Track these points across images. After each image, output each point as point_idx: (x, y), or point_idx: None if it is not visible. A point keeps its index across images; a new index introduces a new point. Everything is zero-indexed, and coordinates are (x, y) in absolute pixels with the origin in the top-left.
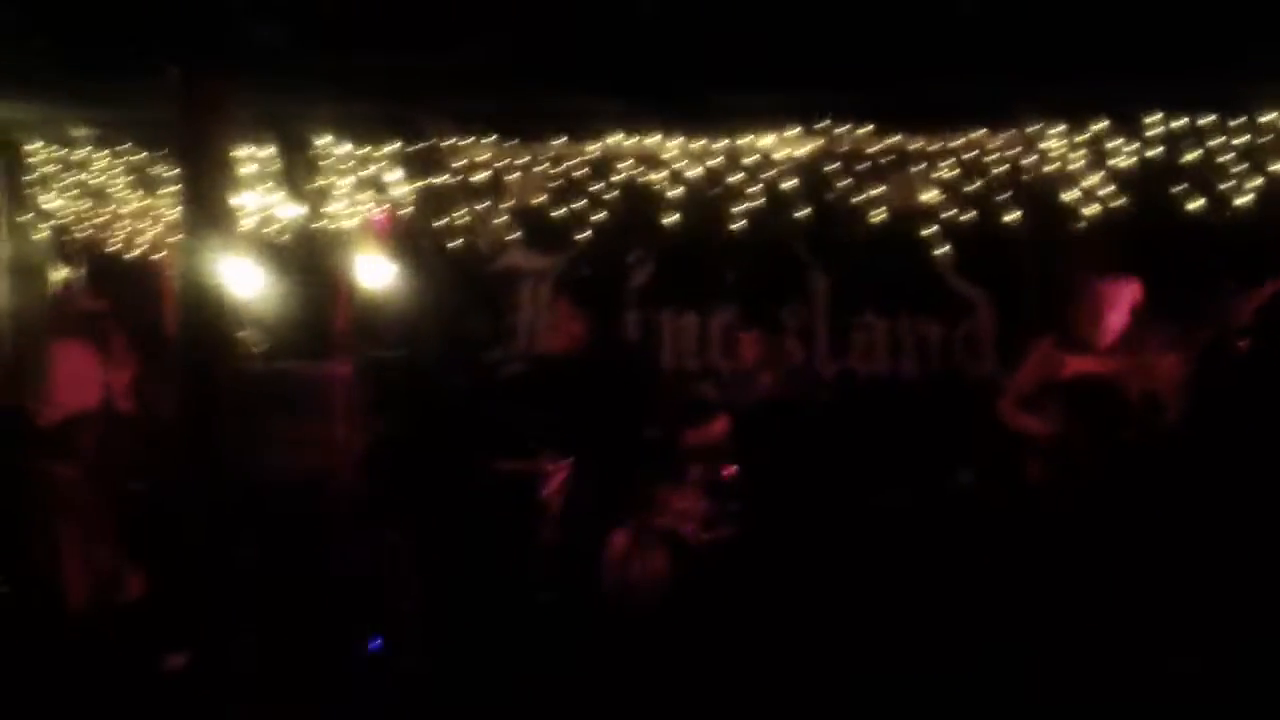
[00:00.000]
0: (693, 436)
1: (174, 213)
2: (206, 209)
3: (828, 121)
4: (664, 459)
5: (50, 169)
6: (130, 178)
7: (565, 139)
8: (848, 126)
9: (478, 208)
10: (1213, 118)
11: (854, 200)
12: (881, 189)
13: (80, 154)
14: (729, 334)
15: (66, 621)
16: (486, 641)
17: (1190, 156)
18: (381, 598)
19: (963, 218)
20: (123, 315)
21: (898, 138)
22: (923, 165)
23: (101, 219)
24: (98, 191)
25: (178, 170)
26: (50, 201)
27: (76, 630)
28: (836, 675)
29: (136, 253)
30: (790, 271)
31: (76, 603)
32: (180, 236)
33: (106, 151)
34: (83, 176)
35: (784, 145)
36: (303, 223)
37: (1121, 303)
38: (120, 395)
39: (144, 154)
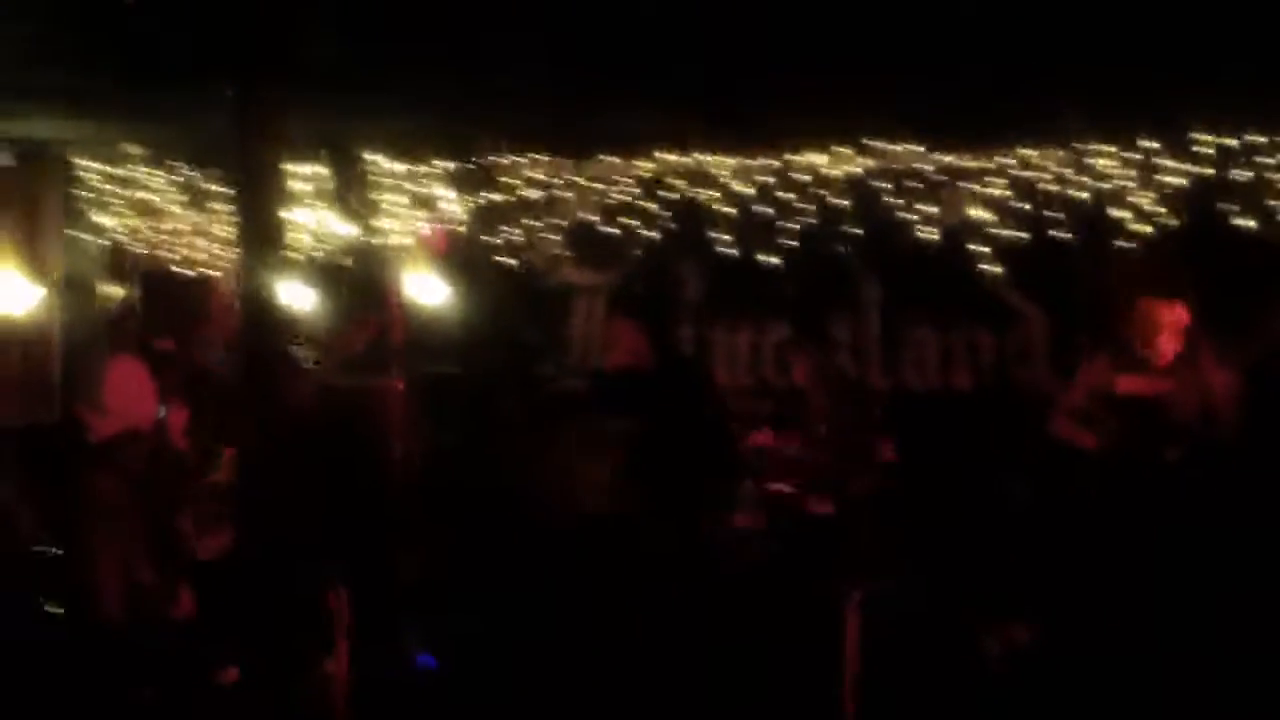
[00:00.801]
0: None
1: (225, 230)
2: (263, 226)
3: (879, 140)
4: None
5: (102, 185)
6: (182, 195)
7: (617, 157)
8: (899, 145)
9: (530, 224)
10: (1264, 136)
11: (905, 216)
12: (932, 206)
13: (132, 170)
14: (781, 350)
15: (103, 633)
16: (538, 656)
17: (1241, 174)
18: (434, 613)
19: (1014, 233)
20: (172, 334)
21: (949, 156)
22: (974, 182)
23: (153, 235)
24: (149, 208)
25: (231, 187)
26: (102, 217)
27: (115, 642)
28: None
29: (188, 270)
30: (842, 287)
31: (111, 614)
32: (237, 254)
33: (158, 168)
34: (135, 193)
35: (836, 163)
36: (356, 240)
37: (1173, 324)
38: (177, 434)
39: (195, 171)
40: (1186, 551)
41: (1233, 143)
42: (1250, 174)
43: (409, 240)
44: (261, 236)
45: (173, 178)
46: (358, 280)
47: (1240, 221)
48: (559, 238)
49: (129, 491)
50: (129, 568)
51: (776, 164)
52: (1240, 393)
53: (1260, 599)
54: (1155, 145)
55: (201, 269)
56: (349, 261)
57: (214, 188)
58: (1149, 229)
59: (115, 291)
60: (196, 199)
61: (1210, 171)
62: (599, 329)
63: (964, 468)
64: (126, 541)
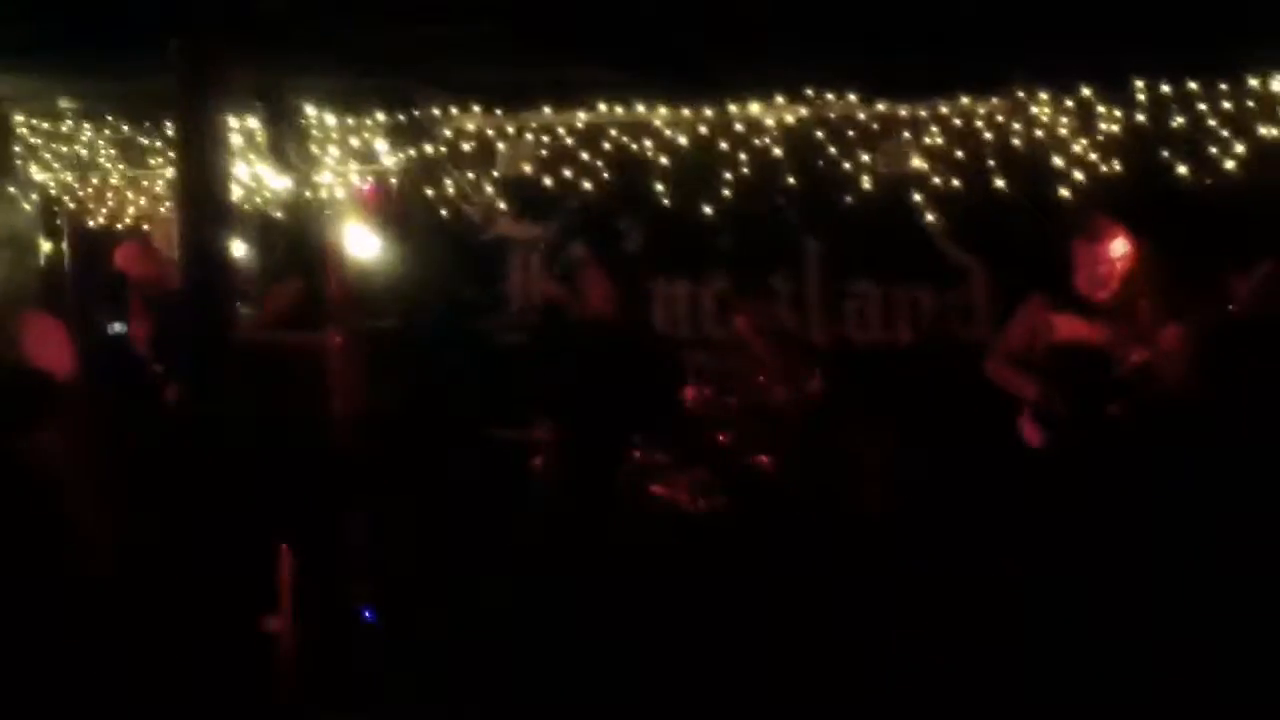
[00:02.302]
0: (690, 405)
1: (161, 185)
2: (206, 180)
3: (814, 90)
4: (662, 427)
5: (37, 140)
6: (117, 150)
7: (554, 109)
8: (835, 95)
9: (466, 177)
10: (1200, 83)
11: (844, 168)
12: (871, 156)
13: (68, 125)
14: (721, 302)
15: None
16: (479, 609)
17: (1178, 122)
18: (377, 568)
19: (953, 184)
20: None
21: (885, 105)
22: (911, 132)
23: (88, 191)
24: (85, 163)
25: (174, 141)
26: (37, 173)
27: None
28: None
29: (122, 224)
30: (782, 239)
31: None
32: (179, 209)
33: (94, 124)
34: (70, 148)
35: (774, 113)
36: (291, 194)
37: (1114, 257)
38: (140, 343)
39: (131, 126)
40: (1126, 512)
41: (1169, 90)
42: (1187, 122)
43: (344, 194)
44: (205, 191)
45: (109, 133)
46: (292, 234)
47: (1177, 170)
48: (495, 190)
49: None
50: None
51: (715, 115)
52: (1185, 352)
53: (1199, 561)
54: (1092, 93)
55: (137, 224)
56: (283, 215)
57: (151, 142)
58: (1086, 176)
59: (49, 247)
60: (133, 154)
61: (1147, 120)
62: (535, 282)
63: (901, 419)
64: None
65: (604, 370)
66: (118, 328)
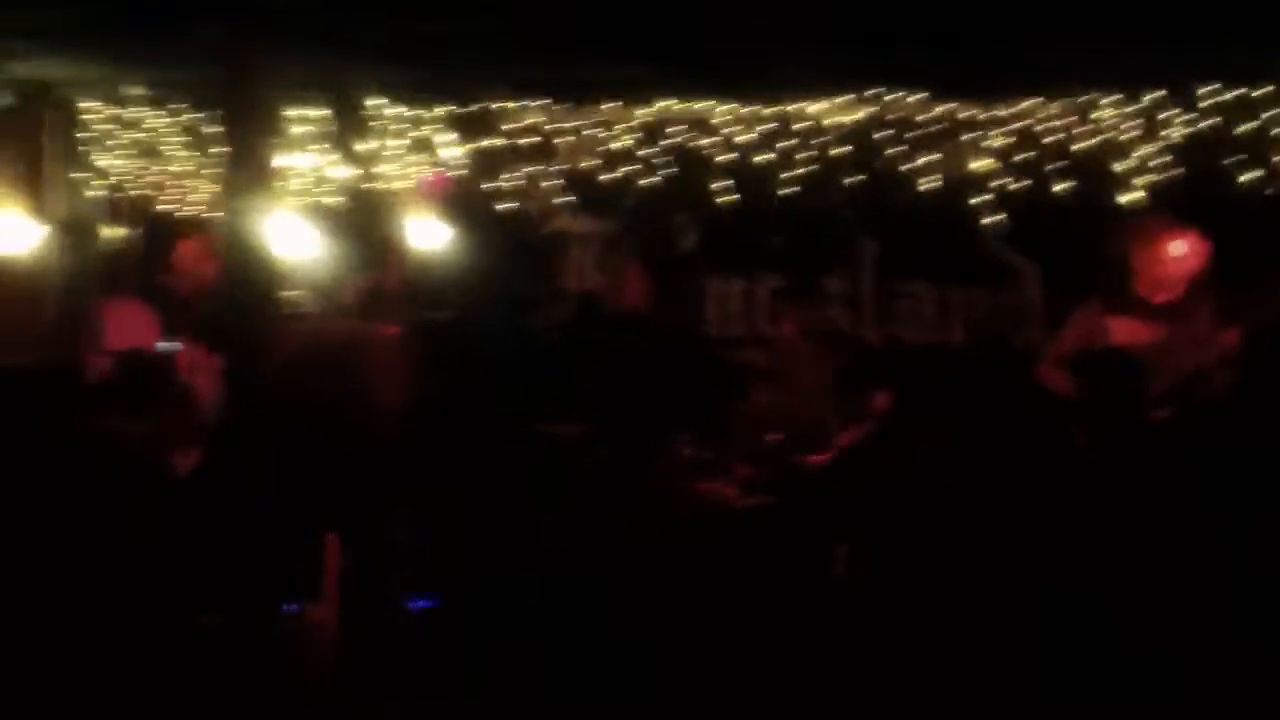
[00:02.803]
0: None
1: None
2: (250, 169)
3: (878, 89)
4: (709, 423)
5: (104, 126)
6: (182, 137)
7: (616, 104)
8: (899, 94)
9: (528, 171)
10: (1264, 89)
11: (904, 168)
12: (932, 157)
13: (133, 113)
14: (775, 299)
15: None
16: (522, 604)
17: (1241, 128)
18: (422, 560)
19: (1013, 187)
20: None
21: (949, 106)
22: (974, 134)
23: (154, 178)
24: (150, 150)
25: (221, 130)
26: (103, 159)
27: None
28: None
29: (188, 213)
30: (838, 238)
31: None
32: (227, 196)
33: (159, 110)
34: (136, 135)
35: (835, 112)
36: (354, 184)
37: (1178, 259)
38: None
39: (196, 113)
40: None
41: (1232, 96)
42: (1250, 128)
43: (407, 185)
44: (251, 179)
45: (174, 119)
46: (356, 226)
47: (1244, 176)
48: (556, 185)
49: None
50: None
51: (776, 112)
52: (1239, 356)
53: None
54: (1159, 97)
55: (202, 211)
56: (348, 207)
57: (215, 129)
58: (1150, 180)
59: (115, 234)
60: (198, 141)
61: (1210, 126)
62: (593, 277)
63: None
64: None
65: (634, 366)
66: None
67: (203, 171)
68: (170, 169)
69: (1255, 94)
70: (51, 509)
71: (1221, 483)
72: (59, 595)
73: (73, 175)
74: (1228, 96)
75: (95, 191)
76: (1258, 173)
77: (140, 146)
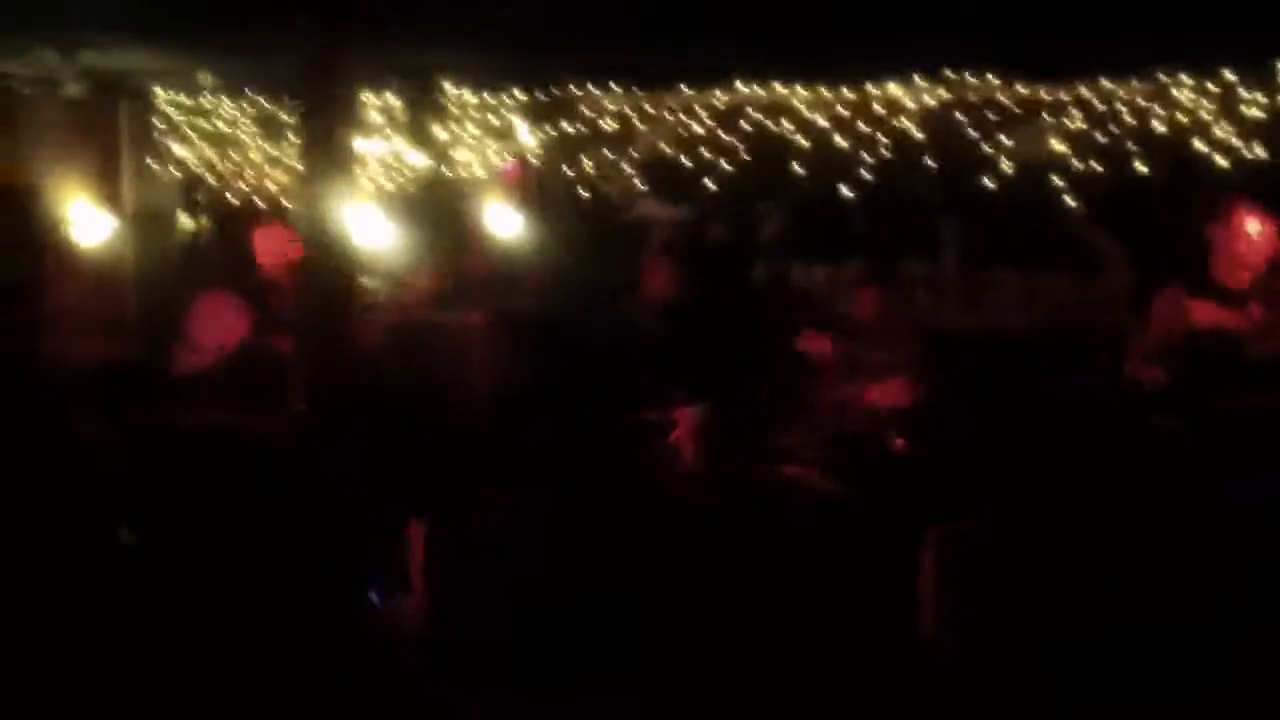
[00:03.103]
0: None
1: (300, 162)
2: (330, 159)
3: (953, 71)
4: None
5: (179, 117)
6: (259, 127)
7: (692, 89)
8: (974, 77)
9: (607, 157)
10: None
11: (983, 150)
12: (1010, 139)
13: (208, 102)
14: (855, 287)
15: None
16: (609, 594)
17: None
18: (509, 550)
19: (1093, 168)
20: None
21: (1025, 88)
22: (1052, 115)
23: (229, 167)
24: (225, 139)
25: (303, 119)
26: (179, 149)
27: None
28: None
29: (263, 201)
30: (920, 223)
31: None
32: (306, 185)
33: (236, 99)
34: (211, 124)
35: (911, 94)
36: (431, 171)
37: (1260, 243)
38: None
39: (272, 104)
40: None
41: None
42: None
43: (485, 172)
44: (331, 169)
45: (248, 109)
46: (435, 213)
47: None
48: (636, 170)
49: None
50: None
51: (854, 96)
52: None
53: None
54: (1236, 78)
55: (277, 200)
56: (426, 194)
57: (290, 119)
58: (1230, 162)
59: (191, 224)
60: (273, 130)
61: None
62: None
63: (1039, 408)
64: None
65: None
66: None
67: (280, 160)
68: (248, 158)
69: None
70: (175, 502)
71: None
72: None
73: (149, 165)
74: None
75: (171, 182)
76: None
77: (216, 136)
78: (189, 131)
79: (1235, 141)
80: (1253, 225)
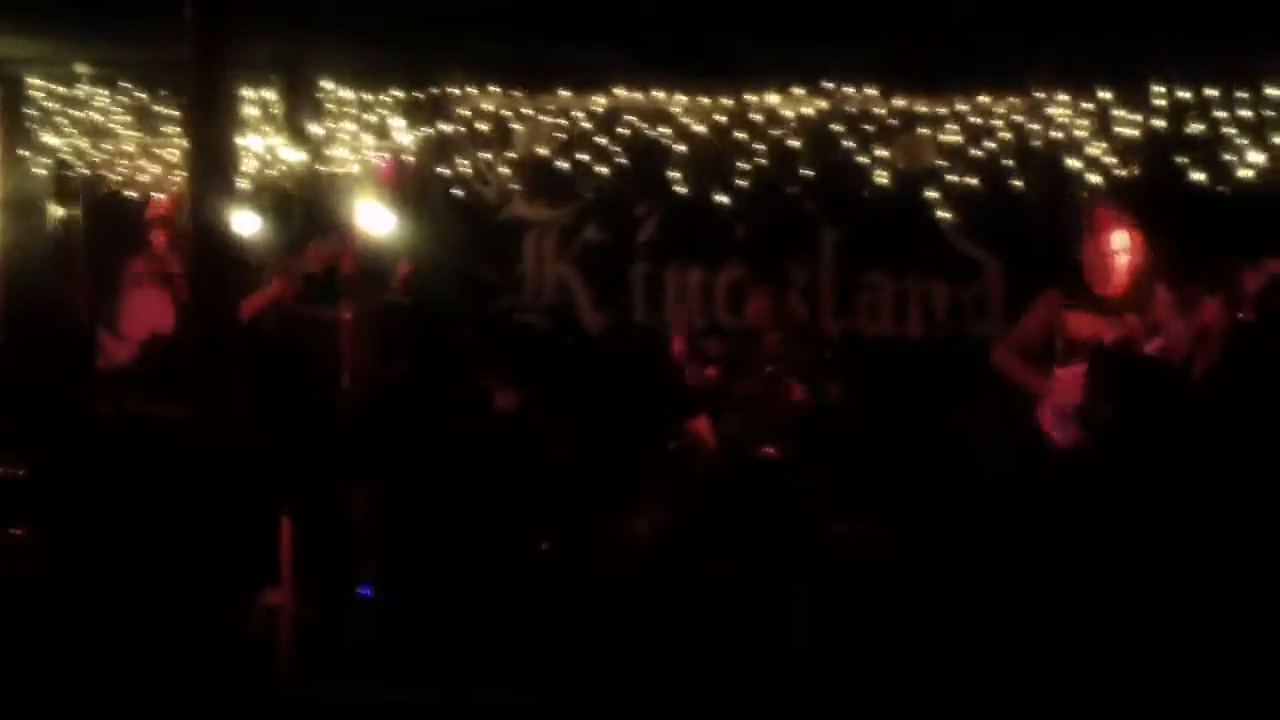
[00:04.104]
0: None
1: (175, 153)
2: (215, 152)
3: (833, 82)
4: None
5: (52, 105)
6: (133, 117)
7: (571, 91)
8: (853, 88)
9: (483, 157)
10: (1217, 89)
11: (861, 160)
12: (888, 150)
13: (82, 91)
14: (735, 290)
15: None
16: (491, 589)
17: (1194, 127)
18: (379, 543)
19: (969, 181)
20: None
21: (903, 100)
22: (929, 128)
23: (102, 157)
24: (99, 129)
25: (183, 111)
26: (50, 138)
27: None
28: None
29: (135, 192)
30: (797, 229)
31: None
32: (187, 180)
33: (110, 89)
34: (84, 114)
35: (792, 104)
36: (306, 167)
37: (1118, 247)
38: None
39: (147, 93)
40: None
41: (1187, 95)
42: (1204, 128)
43: (359, 169)
44: (214, 162)
45: (123, 99)
46: (306, 209)
47: (1193, 175)
48: (512, 171)
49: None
50: None
51: (733, 103)
52: (1198, 346)
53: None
54: (1111, 96)
55: (149, 191)
56: (297, 189)
57: (166, 110)
58: (1104, 180)
59: (62, 212)
60: (147, 121)
61: (1164, 124)
62: (551, 264)
63: (916, 413)
64: None
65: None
66: None
67: (156, 152)
68: (121, 148)
69: (1208, 93)
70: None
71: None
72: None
73: (19, 153)
74: (1180, 96)
75: (41, 170)
76: (1208, 172)
77: (91, 126)
78: (62, 121)
79: (1108, 159)
80: (1114, 236)
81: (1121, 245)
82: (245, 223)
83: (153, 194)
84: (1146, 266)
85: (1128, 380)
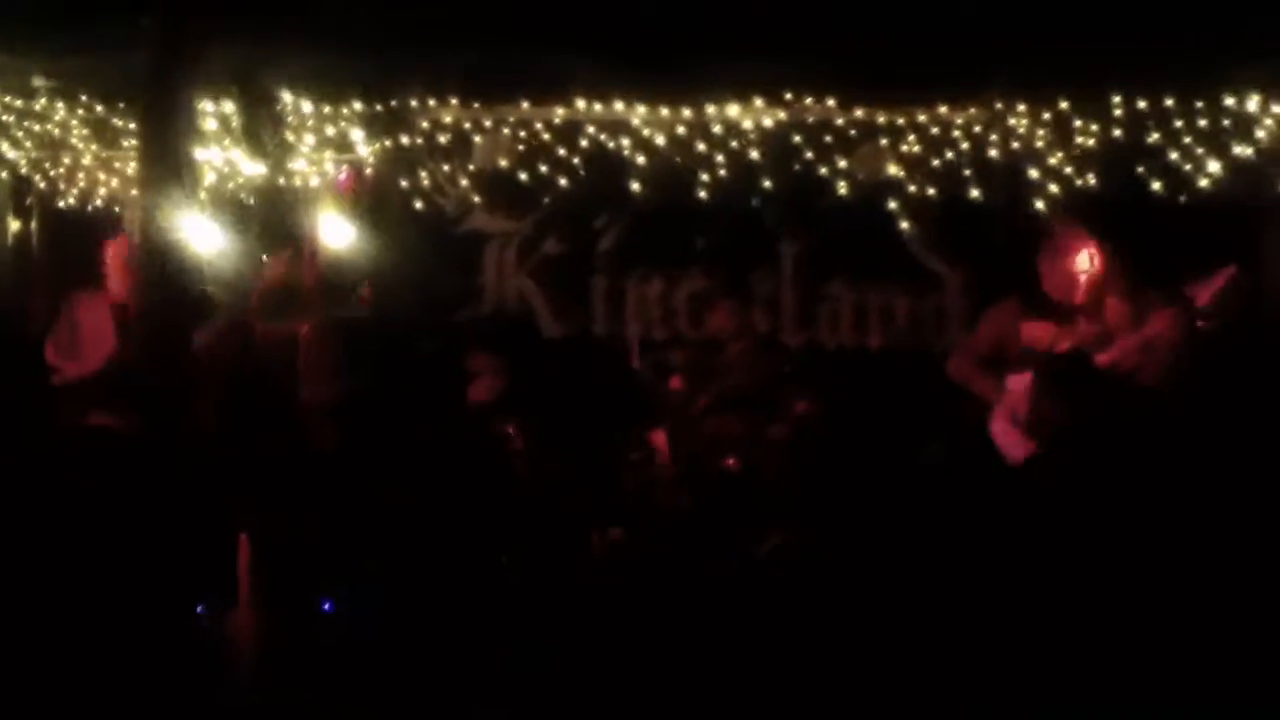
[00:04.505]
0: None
1: (134, 166)
2: (172, 164)
3: (792, 94)
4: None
5: (7, 117)
6: (90, 130)
7: (531, 103)
8: (813, 99)
9: (443, 169)
10: (1176, 100)
11: (821, 172)
12: (848, 161)
13: (40, 103)
14: (696, 301)
15: None
16: (451, 601)
17: (1154, 138)
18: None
19: (930, 192)
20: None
21: (863, 111)
22: (889, 139)
23: (60, 170)
24: (57, 142)
25: (141, 124)
26: (8, 151)
27: None
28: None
29: (93, 205)
30: (758, 241)
31: None
32: (143, 192)
33: (66, 102)
34: (42, 127)
35: (750, 115)
36: (265, 180)
37: (1081, 267)
38: None
39: (105, 106)
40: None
41: (1146, 106)
42: (1163, 138)
43: (319, 182)
44: (170, 176)
45: (82, 112)
46: (266, 222)
47: (1154, 186)
48: (470, 184)
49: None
50: None
51: (693, 115)
52: (1155, 356)
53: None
54: (1070, 107)
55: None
56: (257, 202)
57: (125, 123)
58: (1063, 191)
59: (16, 226)
60: (107, 135)
61: (1123, 135)
62: (511, 276)
63: (877, 425)
64: None
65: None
66: None
67: (115, 165)
68: (80, 161)
69: (1167, 104)
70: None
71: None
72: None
73: None
74: (1140, 106)
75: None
76: (1167, 183)
77: (48, 139)
78: (19, 134)
79: (1068, 170)
80: (1078, 256)
81: (1084, 265)
82: (202, 235)
83: (115, 223)
84: (1104, 278)
85: (1076, 389)
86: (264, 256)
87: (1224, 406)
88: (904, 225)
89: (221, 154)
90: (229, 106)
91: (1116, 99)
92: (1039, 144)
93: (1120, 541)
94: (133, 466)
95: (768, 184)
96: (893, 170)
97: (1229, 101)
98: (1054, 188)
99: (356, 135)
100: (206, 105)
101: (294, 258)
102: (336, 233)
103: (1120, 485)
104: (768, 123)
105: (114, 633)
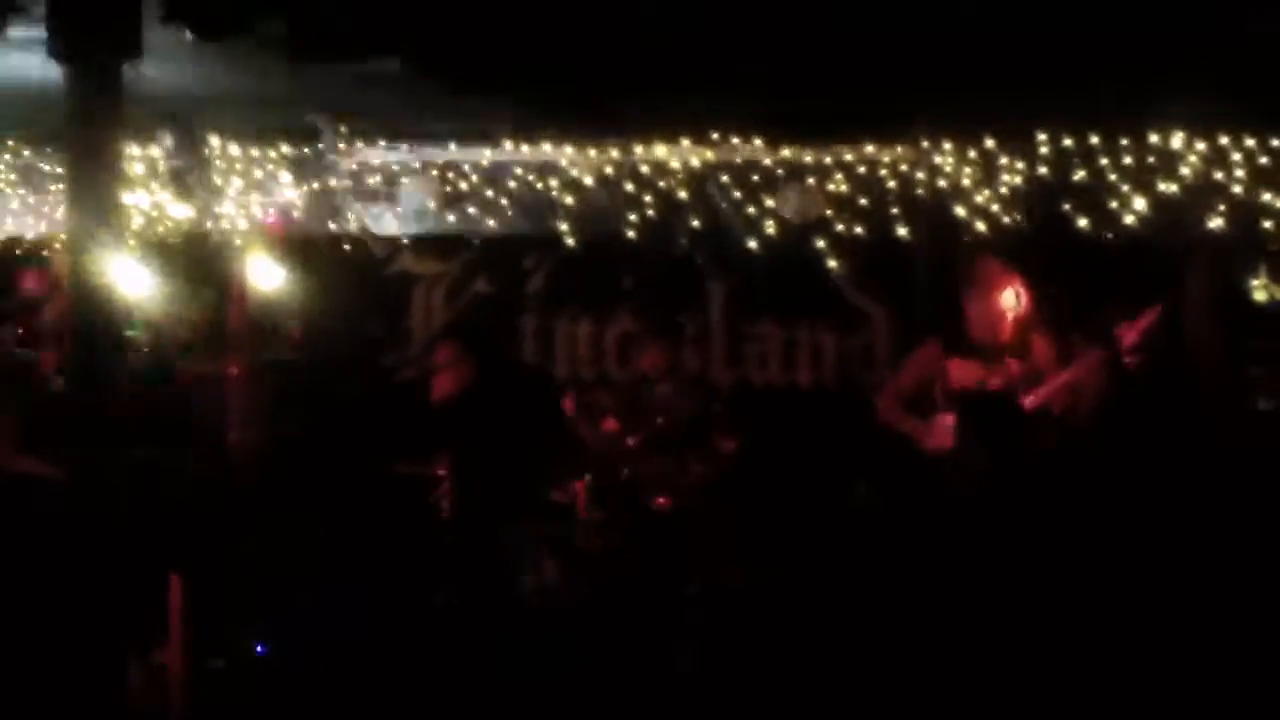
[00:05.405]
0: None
1: (62, 211)
2: (98, 207)
3: (719, 133)
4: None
5: None
6: (16, 175)
7: (458, 146)
8: (739, 139)
9: (370, 212)
10: (1102, 137)
11: (748, 211)
12: (775, 201)
13: None
14: (625, 341)
15: None
16: (382, 642)
17: (1079, 175)
18: (275, 598)
19: (857, 230)
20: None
21: (790, 150)
22: (816, 178)
23: None
24: None
25: (67, 168)
26: None
27: None
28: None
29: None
30: (686, 280)
31: None
32: (70, 236)
33: None
34: None
35: (677, 155)
36: (193, 224)
37: (1008, 305)
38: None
39: (31, 150)
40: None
41: (1071, 143)
42: (1088, 175)
43: (247, 225)
44: (98, 217)
45: (9, 158)
46: (194, 265)
47: (1078, 222)
48: (398, 226)
49: None
50: None
51: (620, 155)
52: (1080, 394)
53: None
54: (996, 145)
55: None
56: (186, 245)
57: (51, 167)
58: (989, 226)
59: None
60: (34, 179)
61: (1049, 172)
62: (440, 318)
63: (805, 463)
64: None
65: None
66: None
67: (42, 210)
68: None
69: (1092, 141)
70: None
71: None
72: None
73: None
74: (1065, 144)
75: None
76: (1093, 219)
77: None
78: None
79: (994, 207)
80: (1003, 295)
81: (1010, 304)
82: (130, 279)
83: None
84: (1030, 317)
85: (998, 429)
86: (194, 301)
87: (1144, 440)
88: (832, 264)
89: (149, 198)
90: (156, 150)
91: (1042, 136)
92: (965, 182)
93: (1052, 581)
94: (52, 512)
95: (696, 224)
96: (820, 209)
97: (1153, 139)
98: (981, 225)
99: (284, 179)
100: (135, 149)
101: (218, 303)
102: (264, 275)
103: (1049, 523)
104: (695, 162)
105: (43, 679)
